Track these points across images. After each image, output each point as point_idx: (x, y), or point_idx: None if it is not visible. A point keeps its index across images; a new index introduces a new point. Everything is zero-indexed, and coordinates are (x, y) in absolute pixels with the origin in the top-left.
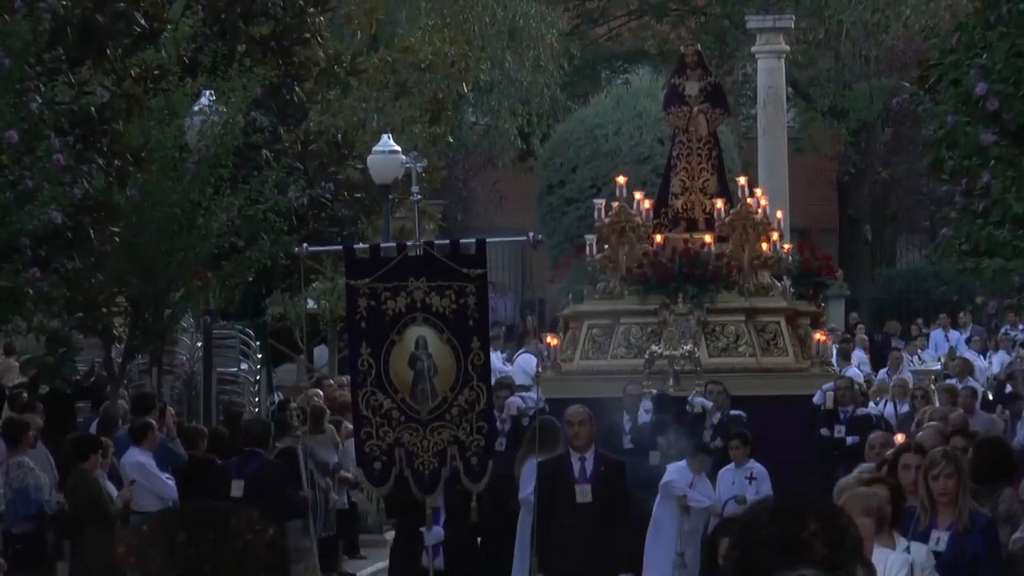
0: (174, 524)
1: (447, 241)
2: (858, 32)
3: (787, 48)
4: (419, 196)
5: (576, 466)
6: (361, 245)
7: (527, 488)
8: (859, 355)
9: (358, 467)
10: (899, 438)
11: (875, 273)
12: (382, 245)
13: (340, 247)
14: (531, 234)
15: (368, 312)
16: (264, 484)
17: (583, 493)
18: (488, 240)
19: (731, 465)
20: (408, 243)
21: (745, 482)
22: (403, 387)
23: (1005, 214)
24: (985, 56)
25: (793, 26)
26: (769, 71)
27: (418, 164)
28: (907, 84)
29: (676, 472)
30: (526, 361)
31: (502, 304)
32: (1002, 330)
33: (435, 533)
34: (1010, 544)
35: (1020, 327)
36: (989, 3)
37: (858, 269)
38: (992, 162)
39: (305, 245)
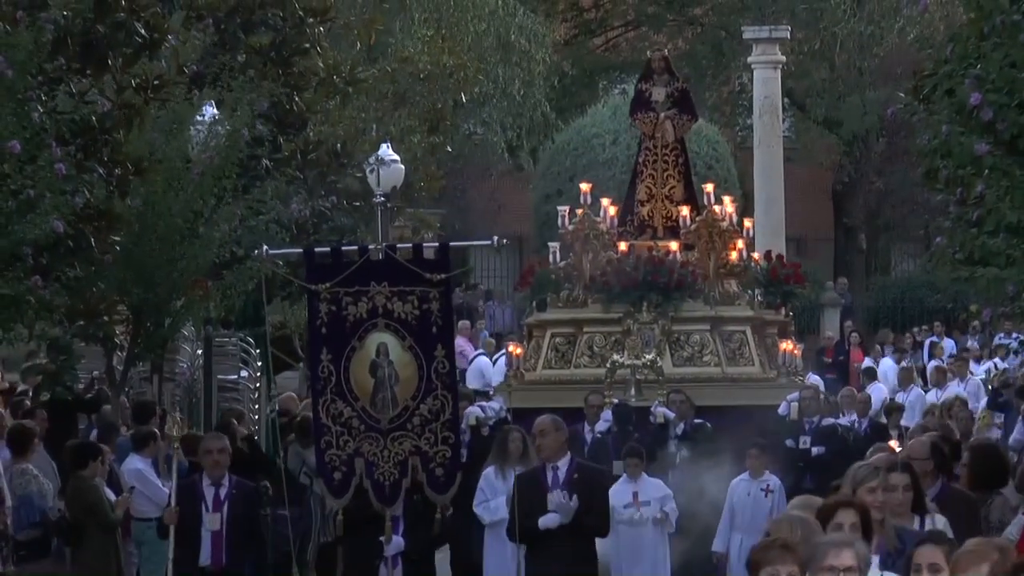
0: None
1: (409, 245)
2: (853, 43)
3: (783, 59)
4: (382, 198)
5: (550, 475)
6: (321, 249)
7: (480, 498)
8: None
9: (319, 477)
10: (893, 444)
11: (870, 282)
12: (344, 248)
13: (300, 250)
14: (495, 238)
15: (329, 317)
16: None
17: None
18: (451, 244)
19: (745, 475)
20: (370, 247)
21: (760, 494)
22: (363, 395)
23: (999, 223)
24: (979, 66)
25: (789, 37)
26: (765, 81)
27: (382, 167)
28: (902, 95)
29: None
30: (484, 364)
31: (500, 312)
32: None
33: (395, 543)
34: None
35: (1014, 336)
36: (983, 14)
37: (853, 278)
38: (986, 172)
39: (266, 248)
